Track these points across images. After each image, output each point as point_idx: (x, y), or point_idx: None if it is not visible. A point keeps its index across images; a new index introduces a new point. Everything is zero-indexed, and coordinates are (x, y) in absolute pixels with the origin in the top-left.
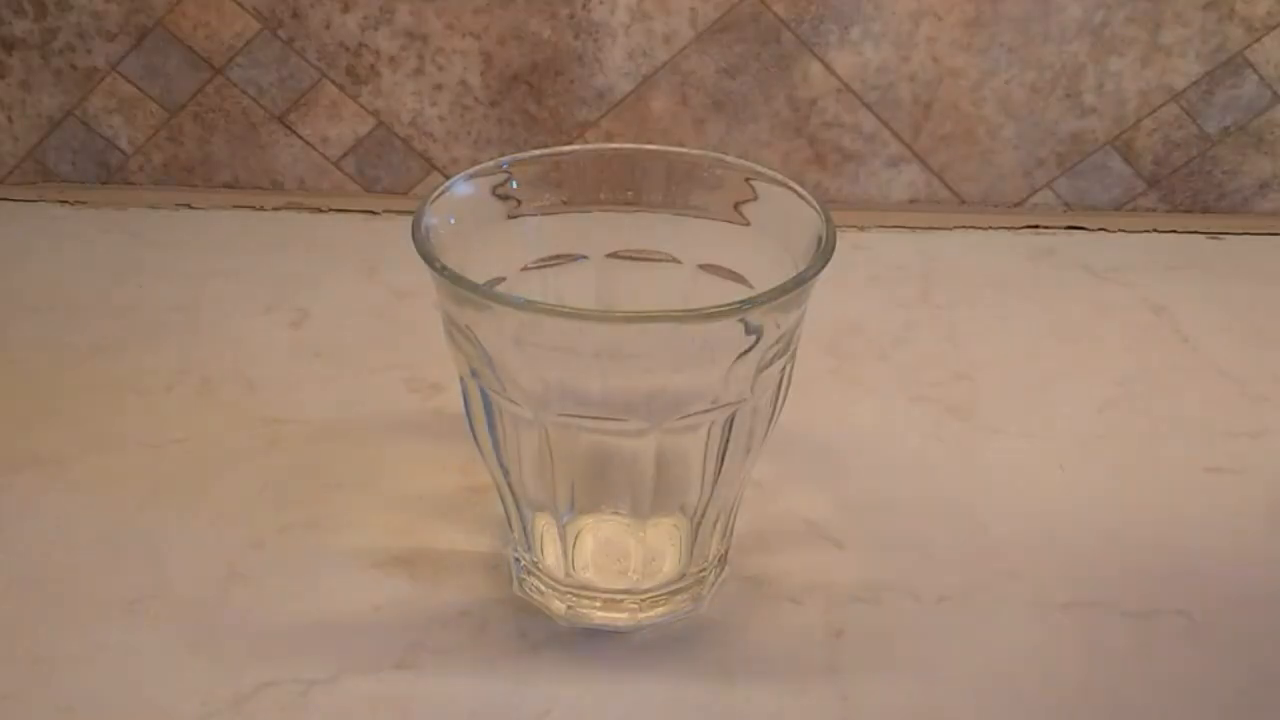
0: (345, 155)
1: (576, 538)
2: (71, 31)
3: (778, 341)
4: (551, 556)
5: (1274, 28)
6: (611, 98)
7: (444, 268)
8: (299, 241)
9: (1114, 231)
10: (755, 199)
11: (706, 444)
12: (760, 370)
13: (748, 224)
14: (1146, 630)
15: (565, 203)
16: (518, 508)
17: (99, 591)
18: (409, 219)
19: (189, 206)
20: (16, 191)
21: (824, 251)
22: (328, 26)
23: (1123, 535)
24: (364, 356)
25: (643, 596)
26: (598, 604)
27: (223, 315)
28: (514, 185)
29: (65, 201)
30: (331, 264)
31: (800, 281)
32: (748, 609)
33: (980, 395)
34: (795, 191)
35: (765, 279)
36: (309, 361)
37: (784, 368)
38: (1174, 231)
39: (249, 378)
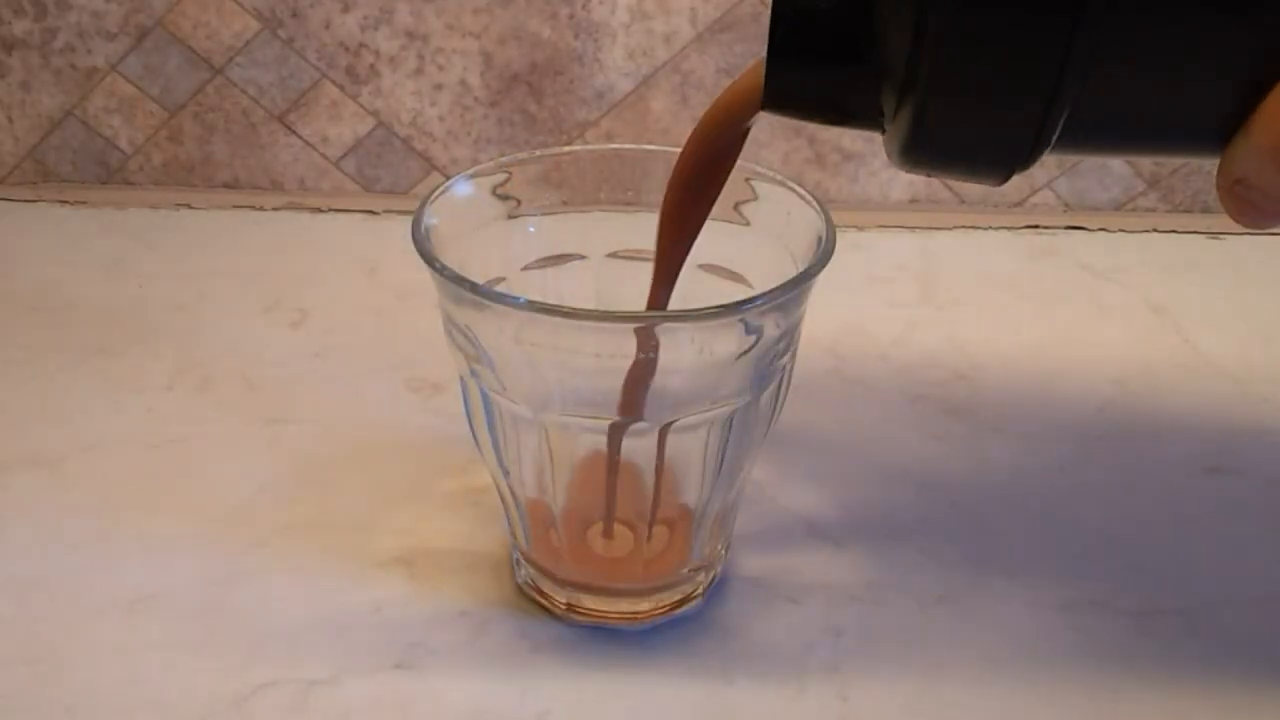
0: (345, 155)
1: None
2: (71, 31)
3: (778, 341)
4: (551, 556)
5: None
6: (611, 98)
7: (444, 268)
8: (299, 241)
9: (1114, 231)
10: (755, 199)
11: (706, 444)
12: (760, 370)
13: (748, 224)
14: (1146, 630)
15: (565, 203)
16: (518, 508)
17: (99, 591)
18: (409, 219)
19: (189, 206)
20: (16, 191)
21: (824, 251)
22: (328, 26)
23: (1122, 535)
24: (364, 356)
25: (643, 596)
26: (598, 604)
27: (223, 315)
28: (514, 185)
29: (65, 201)
30: (331, 264)
31: (800, 281)
32: (748, 609)
33: (980, 395)
34: (795, 191)
35: (765, 279)
36: (309, 361)
37: (784, 368)
38: (1174, 231)
39: (249, 378)
